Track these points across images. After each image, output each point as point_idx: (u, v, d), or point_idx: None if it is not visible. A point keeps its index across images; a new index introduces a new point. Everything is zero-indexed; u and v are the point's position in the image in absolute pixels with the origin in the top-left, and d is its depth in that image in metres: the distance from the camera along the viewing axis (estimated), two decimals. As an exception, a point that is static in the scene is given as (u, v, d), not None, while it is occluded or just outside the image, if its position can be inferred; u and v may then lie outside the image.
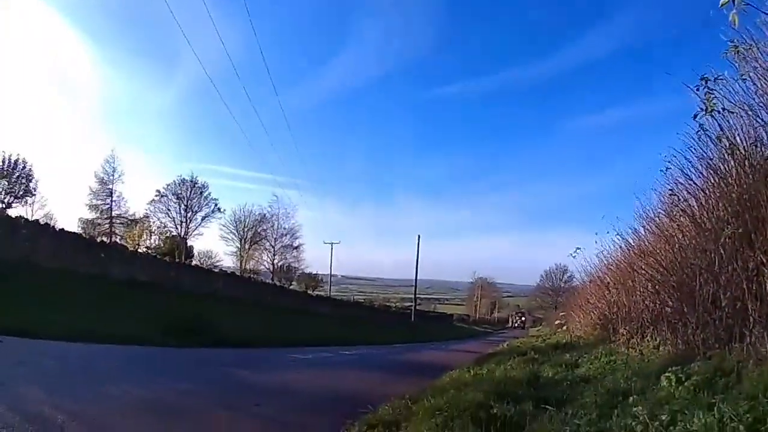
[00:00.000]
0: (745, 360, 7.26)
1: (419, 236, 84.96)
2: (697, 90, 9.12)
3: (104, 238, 56.39)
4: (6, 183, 51.50)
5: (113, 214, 64.76)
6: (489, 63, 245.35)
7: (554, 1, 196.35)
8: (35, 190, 54.55)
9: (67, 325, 18.65)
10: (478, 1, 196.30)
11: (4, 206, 49.49)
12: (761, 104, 8.67)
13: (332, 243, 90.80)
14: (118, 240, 61.81)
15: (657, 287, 13.64)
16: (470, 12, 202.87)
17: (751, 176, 8.73)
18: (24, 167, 52.64)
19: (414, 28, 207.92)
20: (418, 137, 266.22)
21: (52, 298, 22.99)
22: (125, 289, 32.86)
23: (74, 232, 41.56)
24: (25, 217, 40.69)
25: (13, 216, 37.00)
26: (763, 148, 8.56)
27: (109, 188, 63.40)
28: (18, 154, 51.93)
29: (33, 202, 54.95)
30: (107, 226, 64.19)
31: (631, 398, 7.13)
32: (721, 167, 10.13)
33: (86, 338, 17.70)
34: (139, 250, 57.65)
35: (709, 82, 8.93)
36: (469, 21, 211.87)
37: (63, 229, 38.36)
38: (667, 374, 7.51)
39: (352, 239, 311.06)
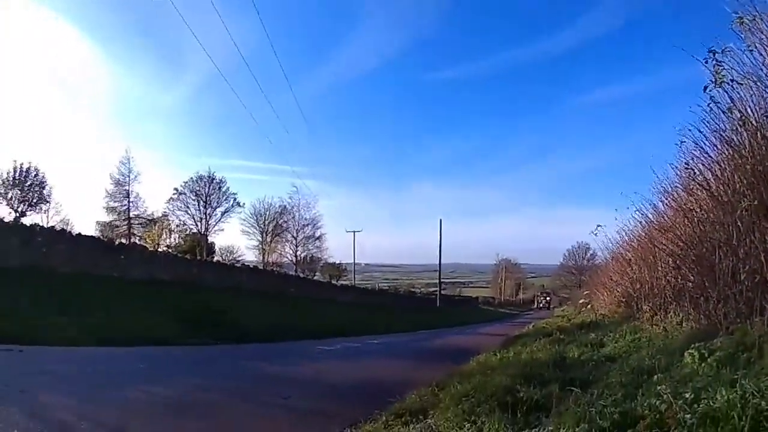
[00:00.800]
0: (766, 334, 7.26)
1: (441, 220, 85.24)
2: (706, 63, 9.13)
3: (123, 240, 56.76)
4: (19, 192, 51.67)
5: (131, 215, 64.29)
6: (498, 41, 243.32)
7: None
8: (49, 197, 54.69)
9: (87, 330, 18.79)
10: None
11: (18, 215, 49.63)
12: (768, 75, 8.67)
13: (354, 231, 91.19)
14: (137, 241, 61.75)
15: (678, 262, 13.67)
16: None
17: (764, 147, 8.73)
18: (36, 175, 52.77)
19: (418, 10, 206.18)
20: (431, 119, 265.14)
21: (72, 303, 23.05)
22: (146, 289, 32.85)
23: (91, 236, 41.45)
24: (41, 224, 40.96)
25: (29, 224, 37.20)
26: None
27: (125, 189, 63.10)
28: (30, 162, 52.15)
29: (48, 209, 55.03)
30: (125, 227, 64.00)
31: (655, 377, 7.16)
32: (735, 139, 10.13)
33: (108, 342, 17.85)
34: (159, 250, 57.73)
35: (717, 54, 8.94)
36: (473, 2, 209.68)
37: (80, 233, 38.48)
38: (690, 350, 7.53)
39: (374, 227, 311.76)
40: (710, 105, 10.11)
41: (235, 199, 73.73)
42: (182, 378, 13.04)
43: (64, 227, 45.24)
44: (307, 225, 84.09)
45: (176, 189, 70.68)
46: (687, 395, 5.44)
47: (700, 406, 5.08)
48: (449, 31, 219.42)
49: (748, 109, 9.25)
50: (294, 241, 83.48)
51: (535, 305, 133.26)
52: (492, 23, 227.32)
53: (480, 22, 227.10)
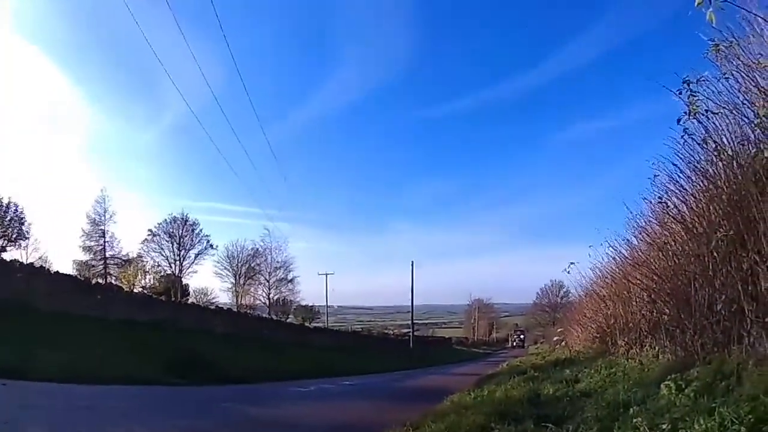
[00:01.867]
0: (744, 362, 7.14)
1: (413, 262, 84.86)
2: (680, 93, 9.02)
3: (99, 280, 55.94)
4: (-1, 226, 51.37)
5: (107, 254, 63.85)
6: (470, 82, 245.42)
7: (531, 16, 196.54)
8: (28, 233, 54.25)
9: (68, 367, 18.53)
10: (455, 21, 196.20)
11: (-3, 250, 49.25)
12: (746, 102, 8.57)
13: (327, 274, 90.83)
14: (113, 281, 60.82)
15: (653, 296, 13.60)
16: (449, 31, 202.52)
17: (739, 176, 8.63)
18: (16, 210, 52.47)
19: (394, 49, 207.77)
20: (405, 161, 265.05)
21: (52, 340, 22.84)
22: (124, 330, 32.65)
23: (69, 274, 41.40)
24: (20, 260, 40.60)
25: (8, 259, 36.91)
26: (750, 147, 8.45)
27: (101, 229, 62.87)
28: (9, 198, 51.83)
29: (27, 246, 54.58)
30: (102, 267, 63.63)
31: (631, 410, 7.02)
32: (710, 170, 10.05)
33: (88, 380, 17.64)
34: (135, 290, 57.10)
35: (691, 84, 8.83)
36: (448, 41, 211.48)
37: (58, 271, 38.51)
38: (666, 382, 7.42)
39: (346, 269, 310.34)
40: (684, 137, 9.99)
41: (208, 241, 73.81)
42: (163, 419, 12.92)
43: (43, 264, 45.39)
44: (280, 268, 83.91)
45: (150, 230, 70.52)
46: (664, 426, 5.44)
47: None
48: (424, 72, 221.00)
49: (724, 139, 9.16)
50: (267, 284, 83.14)
51: (509, 344, 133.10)
52: (466, 63, 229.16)
53: (454, 64, 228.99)
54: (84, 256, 64.02)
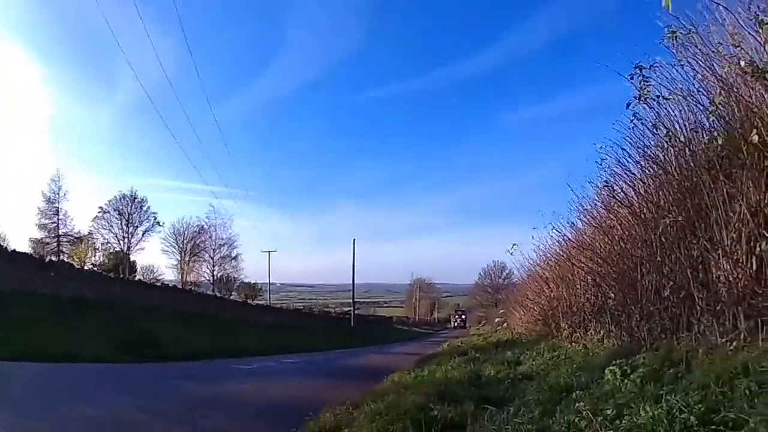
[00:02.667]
0: (694, 350, 7.12)
1: (354, 240, 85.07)
2: (632, 78, 8.92)
3: (53, 257, 55.24)
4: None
5: (60, 232, 64.11)
6: (419, 63, 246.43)
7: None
8: (-15, 213, 54.14)
9: (19, 345, 18.52)
10: (406, 3, 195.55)
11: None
12: (701, 89, 8.49)
13: (269, 251, 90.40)
14: (65, 258, 60.69)
15: (598, 280, 13.59)
16: (398, 12, 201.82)
17: (692, 163, 8.57)
18: (-27, 191, 52.34)
19: (342, 30, 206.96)
20: (351, 141, 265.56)
21: (4, 319, 22.54)
22: (75, 308, 32.29)
23: (25, 252, 40.99)
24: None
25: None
26: (703, 134, 8.37)
27: (55, 207, 63.15)
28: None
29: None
30: (55, 244, 63.55)
31: (574, 394, 6.99)
32: (660, 156, 9.98)
33: (38, 357, 17.83)
34: (86, 268, 56.60)
35: (644, 69, 8.73)
36: (397, 21, 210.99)
37: (15, 249, 37.92)
38: (611, 367, 7.37)
39: (290, 247, 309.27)
40: (633, 122, 9.91)
41: (155, 219, 74.19)
42: (110, 396, 13.25)
43: (1, 243, 45.15)
44: (224, 245, 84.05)
45: (101, 207, 70.96)
46: (608, 412, 5.40)
47: (623, 422, 5.02)
48: (373, 52, 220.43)
49: (676, 125, 9.08)
50: (211, 261, 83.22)
51: (451, 324, 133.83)
52: (416, 43, 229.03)
53: (403, 43, 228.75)
54: (39, 234, 63.87)
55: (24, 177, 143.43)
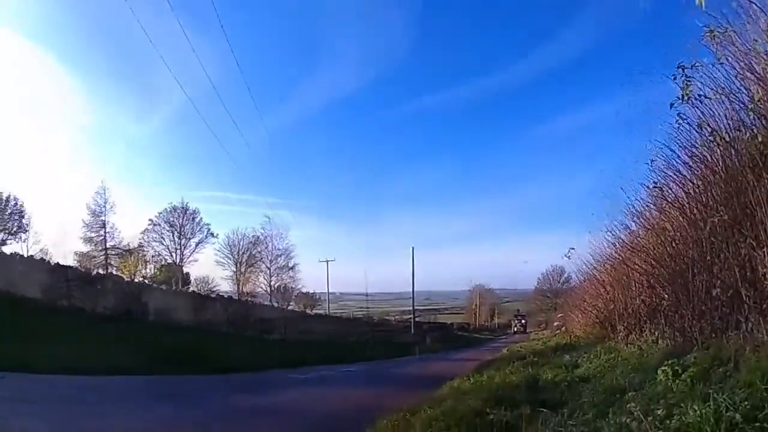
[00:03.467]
0: (742, 348, 7.10)
1: (413, 248, 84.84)
2: (675, 79, 8.97)
3: (100, 270, 56.10)
4: (-1, 220, 51.36)
5: (108, 245, 64.15)
6: (465, 71, 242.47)
7: (522, 6, 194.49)
8: (28, 226, 54.31)
9: (68, 359, 18.60)
10: (446, 19, 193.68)
11: (-3, 243, 49.27)
12: (741, 87, 8.51)
13: (327, 261, 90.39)
14: (113, 271, 61.21)
15: (651, 281, 13.58)
16: (439, 28, 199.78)
17: (736, 161, 8.59)
18: (16, 204, 52.40)
19: (387, 45, 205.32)
20: (401, 149, 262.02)
21: (51, 333, 22.95)
22: (122, 320, 32.68)
23: (69, 266, 41.54)
24: (20, 253, 40.66)
25: (8, 253, 36.95)
26: (745, 132, 8.39)
27: (101, 220, 62.80)
28: (9, 191, 51.79)
29: (27, 239, 54.65)
30: (103, 258, 63.94)
31: (627, 395, 7.02)
32: (707, 155, 9.99)
33: (88, 371, 17.77)
34: (136, 280, 57.27)
35: (686, 69, 8.78)
36: (439, 37, 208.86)
37: (58, 263, 38.47)
38: (663, 368, 7.37)
39: (347, 256, 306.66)
40: (678, 122, 9.94)
41: (208, 230, 73.76)
42: (162, 407, 13.53)
43: (43, 257, 45.03)
44: (281, 255, 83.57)
45: (151, 220, 70.14)
46: (659, 412, 5.39)
47: (672, 422, 5.01)
48: (416, 65, 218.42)
49: (720, 124, 9.10)
50: (268, 271, 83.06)
51: (511, 329, 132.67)
52: (457, 57, 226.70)
53: (445, 58, 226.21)
54: (85, 248, 64.28)
55: (67, 191, 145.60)
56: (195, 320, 41.12)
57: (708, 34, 8.37)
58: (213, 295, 62.22)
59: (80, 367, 18.07)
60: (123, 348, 24.48)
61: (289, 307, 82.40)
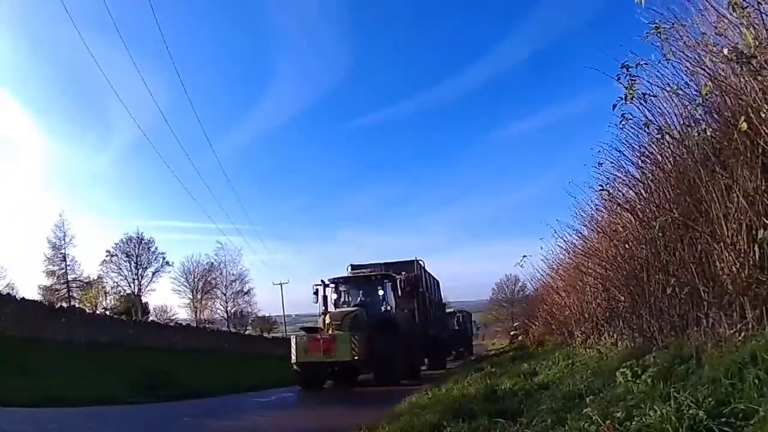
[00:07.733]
0: (703, 344, 7.12)
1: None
2: (619, 79, 8.85)
3: (63, 303, 55.85)
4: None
5: (69, 278, 64.71)
6: (407, 87, 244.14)
7: (462, 17, 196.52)
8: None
9: (37, 391, 18.61)
10: (386, 33, 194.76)
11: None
12: (690, 83, 8.43)
13: (281, 283, 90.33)
14: (76, 304, 60.86)
15: (607, 284, 13.59)
16: (380, 44, 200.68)
17: (687, 158, 8.50)
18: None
19: (328, 64, 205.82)
20: (347, 170, 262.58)
21: (21, 366, 22.90)
22: (89, 352, 32.67)
23: (35, 300, 42.20)
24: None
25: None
26: (696, 127, 8.30)
27: (62, 253, 64.03)
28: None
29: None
30: (65, 290, 64.01)
31: (587, 399, 6.88)
32: (656, 155, 9.93)
33: (57, 403, 17.68)
34: (98, 312, 57.06)
35: (630, 68, 8.66)
36: (381, 52, 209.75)
37: (24, 297, 38.77)
38: (622, 369, 7.35)
39: (300, 277, 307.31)
40: (622, 122, 9.80)
41: (164, 258, 75.10)
42: None
43: (9, 292, 45.46)
44: (235, 280, 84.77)
45: (108, 251, 71.80)
46: (618, 414, 5.33)
47: (632, 424, 4.97)
48: (359, 82, 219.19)
49: (669, 122, 9.02)
50: (224, 297, 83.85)
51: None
52: (399, 72, 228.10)
53: (388, 73, 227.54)
54: (48, 281, 64.34)
55: (28, 225, 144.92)
56: (158, 349, 41.25)
57: (653, 30, 8.25)
58: (172, 324, 61.99)
59: (57, 399, 18.14)
60: (95, 378, 24.86)
61: (246, 332, 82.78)
